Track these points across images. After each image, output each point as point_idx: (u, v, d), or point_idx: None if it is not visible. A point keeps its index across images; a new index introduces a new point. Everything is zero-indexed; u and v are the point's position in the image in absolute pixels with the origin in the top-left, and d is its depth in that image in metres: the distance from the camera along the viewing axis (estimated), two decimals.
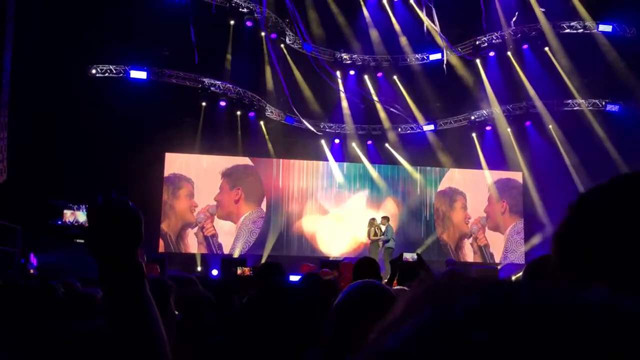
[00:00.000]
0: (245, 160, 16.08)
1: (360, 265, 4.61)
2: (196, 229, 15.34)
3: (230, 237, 15.56)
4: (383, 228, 13.49)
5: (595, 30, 16.28)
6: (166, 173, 15.43)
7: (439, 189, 17.04)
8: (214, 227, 15.46)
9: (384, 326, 0.43)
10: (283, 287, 2.25)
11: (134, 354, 1.17)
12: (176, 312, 2.62)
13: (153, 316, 1.22)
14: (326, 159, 16.77)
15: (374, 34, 17.01)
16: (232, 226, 15.70)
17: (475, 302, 0.40)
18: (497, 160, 17.06)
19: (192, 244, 15.33)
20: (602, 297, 0.40)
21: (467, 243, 16.80)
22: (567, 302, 0.39)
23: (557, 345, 0.36)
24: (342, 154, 17.08)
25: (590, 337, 0.36)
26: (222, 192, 15.74)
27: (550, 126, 16.76)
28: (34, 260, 11.23)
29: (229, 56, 15.77)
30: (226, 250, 15.30)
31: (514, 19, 16.31)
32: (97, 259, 1.25)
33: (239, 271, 6.80)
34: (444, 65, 16.47)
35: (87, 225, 1.32)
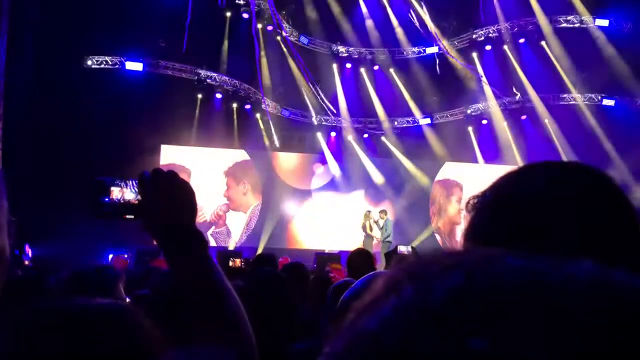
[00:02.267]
0: (242, 153, 16.06)
1: (354, 257, 4.58)
2: None
3: (240, 227, 15.71)
4: (381, 222, 13.48)
5: (592, 25, 16.28)
6: (162, 165, 15.39)
7: (435, 182, 17.06)
8: (203, 214, 15.48)
9: (363, 306, 0.40)
10: (266, 276, 2.25)
11: (210, 320, 1.16)
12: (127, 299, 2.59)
13: (223, 282, 1.21)
14: (322, 152, 16.75)
15: (370, 26, 16.96)
16: (243, 216, 15.86)
17: (458, 281, 0.37)
18: (493, 154, 17.07)
19: None
20: (593, 271, 0.37)
21: (459, 230, 16.89)
22: (558, 276, 0.36)
23: (550, 326, 0.33)
24: (338, 147, 17.05)
25: (590, 312, 0.34)
26: (229, 188, 15.83)
27: (546, 120, 16.78)
28: (28, 251, 11.23)
29: (225, 48, 15.71)
30: (237, 240, 15.55)
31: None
32: (155, 233, 1.25)
33: (230, 262, 6.83)
34: (437, 64, 16.46)
35: (136, 201, 1.31)
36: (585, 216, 0.78)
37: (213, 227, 15.55)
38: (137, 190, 1.32)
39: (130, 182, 1.37)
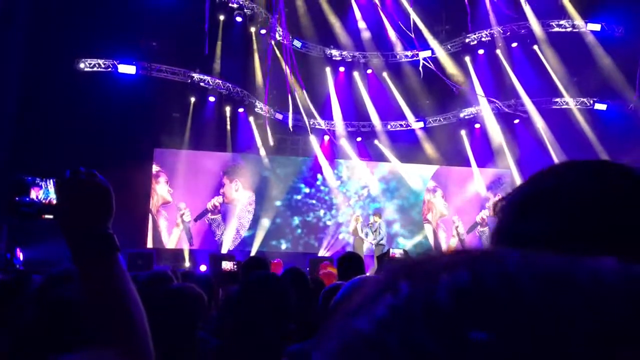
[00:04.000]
0: (235, 157, 16.05)
1: (344, 260, 4.58)
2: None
3: (234, 218, 15.78)
4: (375, 225, 13.48)
5: (584, 29, 16.36)
6: (155, 169, 15.37)
7: (427, 186, 17.09)
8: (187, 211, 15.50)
9: (353, 306, 0.37)
10: (261, 279, 2.25)
11: (111, 325, 1.16)
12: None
13: (127, 287, 1.20)
14: (315, 156, 16.75)
15: (364, 30, 16.99)
16: (233, 207, 15.89)
17: (463, 279, 0.33)
18: (486, 158, 17.12)
19: (175, 239, 15.28)
20: (618, 267, 0.33)
21: (443, 223, 17.07)
22: (581, 274, 0.32)
23: (572, 325, 0.30)
24: (331, 151, 17.05)
25: (613, 307, 0.30)
26: (225, 186, 15.88)
27: (539, 124, 16.84)
28: (19, 255, 11.15)
29: (218, 52, 15.69)
30: (229, 229, 15.64)
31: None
32: (67, 233, 1.23)
33: (223, 265, 6.82)
34: (420, 67, 16.49)
35: (55, 201, 1.30)
36: (617, 214, 0.74)
37: (209, 213, 15.61)
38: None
39: (51, 181, 1.37)
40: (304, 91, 16.38)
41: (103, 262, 1.20)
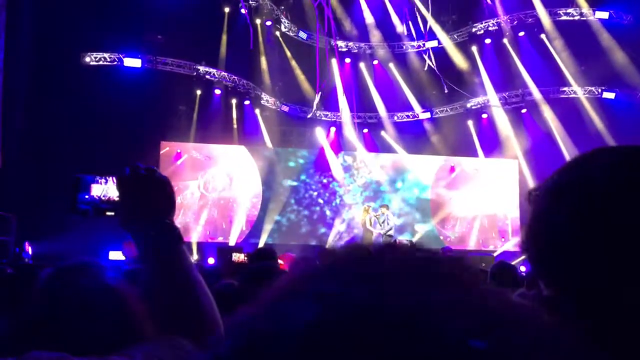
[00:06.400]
0: (241, 149, 16.01)
1: None
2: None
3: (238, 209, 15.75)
4: (383, 217, 13.44)
5: (592, 17, 16.22)
6: (162, 161, 15.36)
7: (435, 177, 17.00)
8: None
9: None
10: (262, 269, 2.23)
11: (182, 316, 1.18)
12: None
13: (195, 278, 1.22)
14: (322, 148, 16.71)
15: (369, 21, 16.91)
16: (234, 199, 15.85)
17: (311, 316, 0.32)
18: (493, 148, 17.02)
19: (187, 232, 15.30)
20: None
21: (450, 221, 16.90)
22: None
23: None
24: (338, 142, 17.01)
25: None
26: (229, 176, 15.84)
27: (547, 114, 16.73)
28: (28, 249, 11.22)
29: (224, 44, 15.66)
30: (236, 223, 15.56)
31: None
32: (132, 229, 1.26)
33: (233, 257, 6.87)
34: (427, 56, 16.39)
35: (116, 198, 1.33)
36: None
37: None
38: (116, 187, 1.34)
39: (111, 178, 1.39)
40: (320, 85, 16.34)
41: (170, 254, 1.22)
